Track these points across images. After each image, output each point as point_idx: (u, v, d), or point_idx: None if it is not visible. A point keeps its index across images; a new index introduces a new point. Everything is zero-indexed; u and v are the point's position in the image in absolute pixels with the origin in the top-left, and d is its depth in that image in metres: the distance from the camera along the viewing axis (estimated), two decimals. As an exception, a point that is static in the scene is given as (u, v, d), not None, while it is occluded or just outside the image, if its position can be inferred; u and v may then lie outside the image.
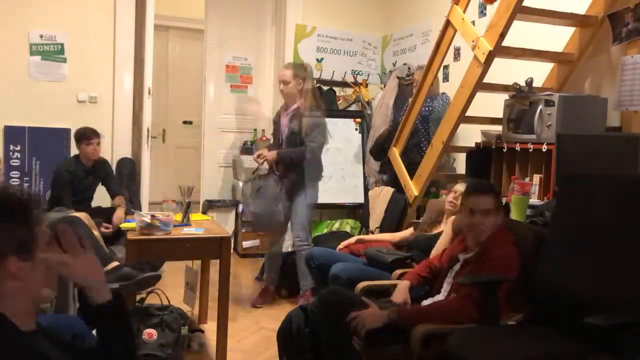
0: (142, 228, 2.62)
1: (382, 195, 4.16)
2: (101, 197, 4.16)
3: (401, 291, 2.46)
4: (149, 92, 4.55)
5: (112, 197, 4.11)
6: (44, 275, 1.24)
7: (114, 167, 4.66)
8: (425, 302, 2.37)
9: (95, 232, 3.12)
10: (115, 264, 2.73)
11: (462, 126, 3.29)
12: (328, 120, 4.89)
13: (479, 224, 2.28)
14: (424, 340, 2.02)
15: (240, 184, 5.13)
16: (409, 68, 5.06)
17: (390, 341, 2.15)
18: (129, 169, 4.72)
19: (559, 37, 3.35)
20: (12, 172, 4.48)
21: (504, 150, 3.15)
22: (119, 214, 3.80)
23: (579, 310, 1.81)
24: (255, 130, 5.46)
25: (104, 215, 3.76)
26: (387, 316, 2.14)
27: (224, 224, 4.76)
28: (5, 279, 1.17)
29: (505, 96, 3.22)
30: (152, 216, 2.66)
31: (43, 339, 1.23)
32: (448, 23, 3.46)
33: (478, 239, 2.30)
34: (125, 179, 4.64)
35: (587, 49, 3.24)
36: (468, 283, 2.14)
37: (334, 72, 5.43)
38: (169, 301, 2.82)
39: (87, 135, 3.94)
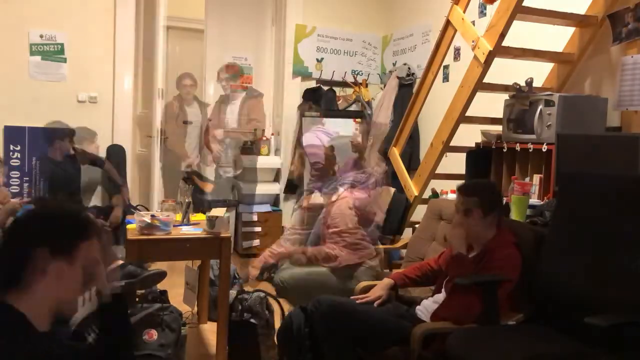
0: (142, 228, 2.62)
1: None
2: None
3: (380, 287, 2.45)
4: (160, 94, 4.52)
5: (110, 196, 4.11)
6: (77, 281, 1.26)
7: (103, 156, 4.49)
8: (426, 302, 2.37)
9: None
10: (119, 262, 2.73)
11: (462, 126, 3.28)
12: (328, 120, 4.85)
13: (459, 223, 2.32)
14: (424, 340, 2.02)
15: (241, 183, 5.12)
16: (409, 68, 5.06)
17: (390, 342, 2.16)
18: (118, 157, 4.62)
19: (559, 37, 3.35)
20: (12, 172, 4.47)
21: (504, 150, 3.15)
22: (116, 213, 3.83)
23: (579, 310, 1.81)
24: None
25: (102, 214, 3.76)
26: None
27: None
28: (42, 277, 1.19)
29: (505, 96, 3.22)
30: (152, 216, 2.65)
31: (57, 340, 1.25)
32: (448, 23, 3.46)
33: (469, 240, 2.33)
34: (113, 166, 4.54)
35: (587, 49, 3.24)
36: (468, 283, 2.14)
37: (334, 72, 5.43)
38: (168, 301, 2.82)
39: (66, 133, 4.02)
